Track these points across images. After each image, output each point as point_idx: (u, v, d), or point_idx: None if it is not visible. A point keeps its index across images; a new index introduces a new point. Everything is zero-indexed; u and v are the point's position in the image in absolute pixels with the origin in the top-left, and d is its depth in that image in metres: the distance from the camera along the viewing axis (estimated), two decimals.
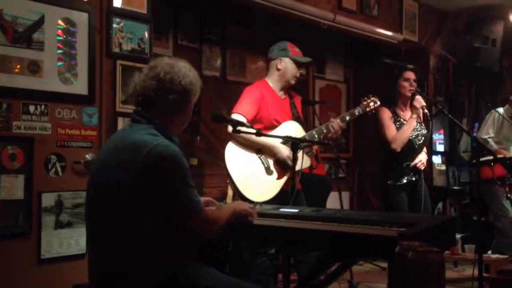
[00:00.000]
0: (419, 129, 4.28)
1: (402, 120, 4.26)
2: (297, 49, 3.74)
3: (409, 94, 4.20)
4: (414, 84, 4.23)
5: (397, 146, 4.18)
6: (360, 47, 6.31)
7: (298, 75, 3.74)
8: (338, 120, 3.69)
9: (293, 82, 3.73)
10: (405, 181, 4.18)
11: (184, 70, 2.08)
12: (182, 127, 2.18)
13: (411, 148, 4.21)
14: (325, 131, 3.64)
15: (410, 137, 4.20)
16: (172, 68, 2.06)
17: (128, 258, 1.95)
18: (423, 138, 4.30)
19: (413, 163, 4.18)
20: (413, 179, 4.21)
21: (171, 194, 1.95)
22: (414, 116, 4.15)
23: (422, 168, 4.24)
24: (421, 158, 4.23)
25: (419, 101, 4.12)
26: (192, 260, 2.05)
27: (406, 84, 4.23)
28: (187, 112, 2.15)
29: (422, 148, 4.30)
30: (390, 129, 4.22)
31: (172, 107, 2.07)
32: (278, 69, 3.67)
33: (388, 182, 4.20)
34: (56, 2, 3.18)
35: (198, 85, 2.14)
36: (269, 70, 3.75)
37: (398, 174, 4.19)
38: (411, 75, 4.26)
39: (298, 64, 3.72)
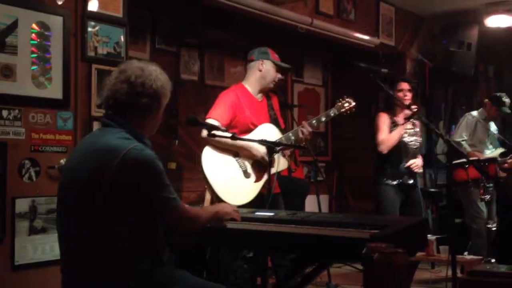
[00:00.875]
0: (413, 134, 4.38)
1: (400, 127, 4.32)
2: (276, 55, 3.78)
3: (406, 103, 4.24)
4: (408, 94, 4.33)
5: (383, 148, 4.28)
6: (338, 51, 6.36)
7: (277, 79, 3.76)
8: (307, 124, 3.69)
9: (271, 85, 3.76)
10: (396, 182, 4.26)
11: (155, 73, 2.08)
12: (153, 131, 2.17)
13: (405, 152, 4.31)
14: (299, 135, 3.66)
15: (406, 141, 4.30)
16: (143, 71, 2.05)
17: (101, 264, 1.94)
18: (418, 144, 4.42)
19: (407, 164, 4.28)
20: (408, 182, 4.30)
21: (148, 196, 1.95)
22: (404, 124, 4.24)
23: (418, 171, 4.36)
24: (416, 161, 4.34)
25: (406, 113, 4.20)
26: (165, 265, 2.04)
27: (400, 94, 4.33)
28: (158, 116, 2.14)
29: (417, 154, 4.40)
30: (382, 132, 4.32)
31: (144, 111, 2.07)
32: (260, 70, 3.68)
33: (379, 182, 4.30)
34: (30, 6, 3.15)
35: (169, 88, 2.14)
36: (248, 72, 3.76)
37: (391, 175, 4.28)
38: (404, 85, 4.37)
39: (278, 69, 3.74)
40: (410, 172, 4.31)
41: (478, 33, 6.27)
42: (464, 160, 4.27)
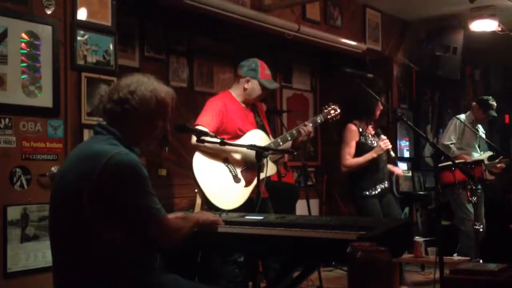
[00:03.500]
0: (375, 141, 4.27)
1: (366, 134, 4.28)
2: (267, 71, 3.77)
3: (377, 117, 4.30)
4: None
5: (345, 171, 4.24)
6: (325, 57, 6.43)
7: (262, 96, 3.80)
8: (311, 122, 3.76)
9: (257, 101, 3.81)
10: (379, 190, 4.20)
11: (130, 81, 2.10)
12: (139, 141, 2.13)
13: (379, 160, 4.21)
14: (289, 138, 3.71)
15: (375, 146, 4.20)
16: (124, 79, 2.12)
17: (90, 269, 1.96)
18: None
19: (397, 172, 4.37)
20: (384, 186, 4.24)
21: (130, 201, 1.96)
22: (375, 154, 4.13)
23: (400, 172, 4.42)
24: (395, 168, 4.43)
25: (385, 143, 4.13)
26: (154, 269, 2.07)
27: (378, 112, 4.30)
28: (136, 124, 2.10)
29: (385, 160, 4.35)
30: (347, 148, 4.21)
31: (116, 117, 2.08)
32: (245, 88, 3.73)
33: (364, 193, 4.16)
34: (20, 16, 3.18)
35: (146, 96, 2.07)
36: (235, 83, 3.80)
37: (372, 184, 4.19)
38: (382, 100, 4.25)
39: (265, 89, 3.76)
40: (385, 178, 4.27)
41: (464, 37, 6.37)
42: (450, 162, 4.32)
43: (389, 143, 4.15)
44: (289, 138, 3.71)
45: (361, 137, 4.24)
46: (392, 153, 4.22)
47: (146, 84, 2.10)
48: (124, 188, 1.95)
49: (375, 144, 4.22)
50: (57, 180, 2.13)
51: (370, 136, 4.30)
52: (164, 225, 2.03)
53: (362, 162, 4.16)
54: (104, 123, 2.13)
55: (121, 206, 1.95)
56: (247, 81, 3.71)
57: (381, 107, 4.31)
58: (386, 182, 4.29)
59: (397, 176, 4.43)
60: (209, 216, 2.38)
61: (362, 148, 4.20)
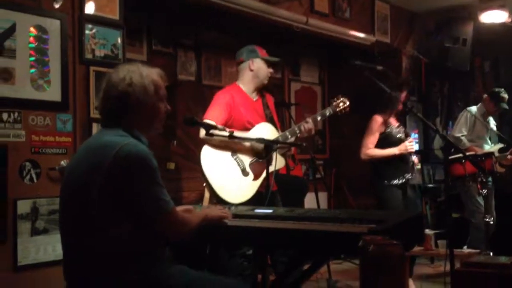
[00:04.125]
0: (402, 130, 4.41)
1: (392, 126, 4.36)
2: (264, 51, 3.81)
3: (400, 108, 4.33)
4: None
5: (364, 158, 4.35)
6: (334, 49, 6.40)
7: (269, 74, 3.80)
8: (312, 119, 3.75)
9: (266, 81, 3.80)
10: (402, 181, 4.23)
11: (123, 73, 2.08)
12: (148, 128, 2.15)
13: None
14: (297, 131, 3.70)
15: (403, 139, 4.30)
16: (112, 75, 2.09)
17: (98, 262, 1.97)
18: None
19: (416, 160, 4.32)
20: (409, 178, 4.29)
21: (139, 192, 1.95)
22: (397, 152, 4.23)
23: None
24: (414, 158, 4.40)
25: (411, 146, 4.25)
26: (163, 261, 2.07)
27: (401, 104, 4.31)
28: (143, 112, 2.10)
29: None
30: (372, 137, 4.32)
31: (119, 112, 2.08)
32: (251, 70, 3.72)
33: (384, 182, 4.23)
34: (28, 10, 3.19)
35: (144, 82, 2.08)
36: (240, 73, 3.79)
37: (394, 174, 4.24)
38: (404, 93, 4.37)
39: (269, 64, 3.78)
40: (410, 168, 4.32)
41: (473, 29, 6.31)
42: (460, 155, 4.29)
43: (414, 147, 4.25)
44: (297, 132, 3.70)
45: (387, 128, 4.33)
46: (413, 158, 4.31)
47: (137, 72, 2.10)
48: (134, 179, 1.95)
49: (399, 135, 4.32)
50: (66, 174, 2.13)
51: (394, 127, 4.37)
52: (172, 218, 2.03)
53: (383, 155, 4.27)
54: (107, 117, 2.13)
55: (130, 197, 1.95)
56: (252, 62, 3.71)
57: (403, 99, 4.37)
58: (410, 174, 4.31)
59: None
60: (218, 211, 2.37)
61: (387, 139, 4.31)
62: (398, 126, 4.42)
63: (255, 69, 3.73)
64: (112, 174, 1.93)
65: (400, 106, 4.33)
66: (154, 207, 1.98)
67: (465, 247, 4.91)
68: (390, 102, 4.26)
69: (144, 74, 2.11)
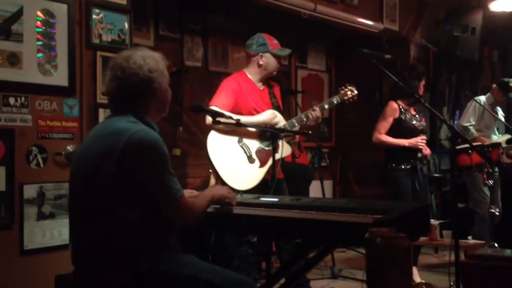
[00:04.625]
0: (419, 119, 4.41)
1: (407, 113, 4.36)
2: (275, 41, 3.74)
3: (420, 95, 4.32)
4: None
5: (375, 143, 4.38)
6: (341, 37, 6.36)
7: (278, 66, 3.77)
8: (318, 107, 3.74)
9: (274, 73, 3.78)
10: (409, 166, 4.25)
11: (140, 60, 2.08)
12: (160, 113, 2.19)
13: (419, 135, 4.32)
14: (304, 119, 3.68)
15: (417, 126, 4.33)
16: (127, 62, 2.06)
17: (109, 247, 1.97)
18: (424, 128, 4.48)
19: (426, 152, 4.33)
20: (418, 166, 4.29)
21: (150, 179, 1.97)
22: (407, 144, 4.25)
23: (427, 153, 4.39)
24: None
25: (422, 143, 4.26)
26: (172, 249, 2.08)
27: (422, 87, 4.37)
28: (160, 96, 2.14)
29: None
30: (384, 123, 4.35)
31: (140, 99, 2.09)
32: (260, 65, 3.69)
33: (392, 165, 4.28)
34: None
35: (160, 67, 2.12)
36: (249, 63, 3.76)
37: (404, 158, 4.27)
38: (423, 83, 4.39)
39: (278, 57, 3.74)
40: (420, 157, 4.33)
41: (483, 18, 6.24)
42: (467, 145, 4.27)
43: (423, 146, 4.26)
44: (304, 119, 3.69)
45: (401, 115, 4.32)
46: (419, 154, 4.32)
47: (152, 58, 2.12)
48: (145, 165, 1.95)
49: (415, 122, 4.33)
50: (76, 159, 2.14)
51: (411, 115, 4.36)
52: (181, 206, 2.04)
53: (392, 143, 4.29)
54: (118, 105, 2.12)
55: (140, 183, 1.95)
56: (261, 57, 3.68)
57: (423, 89, 4.38)
58: (420, 161, 4.30)
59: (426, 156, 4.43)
60: (225, 192, 2.37)
61: (400, 125, 4.32)
62: (416, 115, 4.41)
63: (264, 63, 3.69)
64: (123, 159, 1.93)
65: (420, 93, 4.32)
66: (164, 193, 1.99)
67: (470, 237, 4.91)
68: (405, 91, 4.19)
69: (155, 57, 2.13)
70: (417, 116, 4.41)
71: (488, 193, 5.01)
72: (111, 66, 2.11)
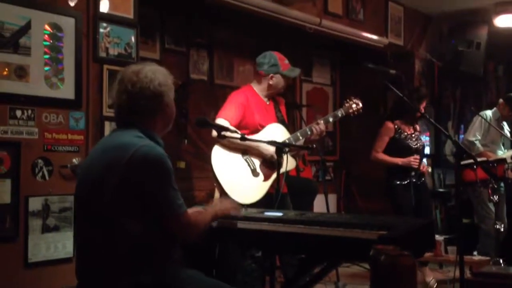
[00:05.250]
0: (416, 138, 4.64)
1: (405, 133, 4.60)
2: (286, 61, 3.78)
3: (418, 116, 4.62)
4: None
5: (372, 159, 4.66)
6: (346, 51, 6.38)
7: (286, 85, 3.81)
8: (323, 120, 3.75)
9: (282, 91, 3.81)
10: (405, 182, 4.48)
11: (150, 74, 2.09)
12: (166, 128, 2.20)
13: (413, 154, 4.54)
14: (309, 133, 3.69)
15: (412, 146, 4.55)
16: (138, 76, 2.07)
17: (112, 259, 1.98)
18: (422, 145, 4.71)
19: (422, 168, 4.57)
20: (418, 183, 4.53)
21: (154, 193, 1.97)
22: (400, 163, 4.50)
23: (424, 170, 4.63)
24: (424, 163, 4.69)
25: (415, 162, 4.47)
26: (175, 263, 2.08)
27: (422, 109, 4.50)
28: (167, 111, 2.16)
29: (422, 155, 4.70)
30: (380, 142, 4.62)
31: (149, 113, 2.10)
32: (270, 85, 3.72)
33: (392, 181, 4.51)
34: (43, 8, 3.20)
35: (169, 82, 2.14)
36: (258, 80, 3.77)
37: (404, 175, 4.49)
38: (423, 105, 4.60)
39: (289, 78, 3.79)
40: (419, 173, 4.54)
41: (487, 33, 6.26)
42: (472, 160, 4.27)
43: (417, 164, 4.48)
44: (309, 133, 3.69)
45: (396, 135, 4.57)
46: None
47: (161, 72, 2.14)
48: (149, 180, 1.97)
49: (408, 141, 4.56)
50: (82, 172, 2.15)
51: (407, 135, 4.60)
52: (184, 221, 2.05)
53: (387, 161, 4.58)
54: (123, 119, 2.13)
55: (144, 198, 1.96)
56: (271, 78, 3.70)
57: (422, 111, 4.48)
58: (416, 178, 4.52)
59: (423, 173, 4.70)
60: (228, 204, 2.37)
61: (396, 145, 4.58)
62: (412, 135, 4.63)
63: (274, 84, 3.73)
64: (128, 174, 1.95)
65: (418, 115, 4.57)
66: (167, 208, 2.00)
67: (475, 252, 4.88)
68: (405, 111, 4.53)
69: (164, 72, 2.15)
70: (413, 135, 4.63)
71: (493, 208, 4.98)
72: (119, 79, 2.11)
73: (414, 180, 4.48)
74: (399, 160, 4.50)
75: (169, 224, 2.02)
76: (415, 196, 4.47)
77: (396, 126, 4.58)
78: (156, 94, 2.08)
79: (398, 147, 4.55)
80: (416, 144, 4.58)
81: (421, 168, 4.53)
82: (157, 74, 2.10)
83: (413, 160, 4.47)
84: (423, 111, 4.53)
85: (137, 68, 2.12)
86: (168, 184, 2.00)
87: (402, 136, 4.57)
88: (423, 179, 4.61)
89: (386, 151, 4.59)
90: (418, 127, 4.74)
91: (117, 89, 2.11)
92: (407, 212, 4.39)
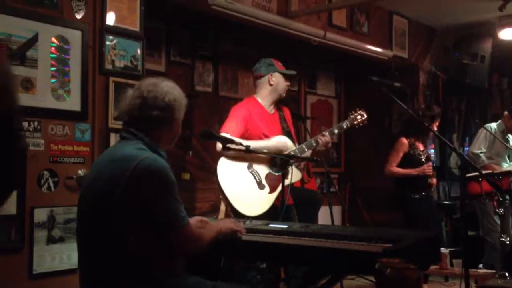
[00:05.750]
0: (426, 154, 4.86)
1: (418, 150, 4.82)
2: (280, 64, 3.84)
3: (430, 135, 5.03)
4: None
5: (387, 173, 4.82)
6: (351, 63, 6.39)
7: (287, 87, 3.83)
8: (328, 132, 3.76)
9: (284, 94, 3.82)
10: (419, 195, 4.70)
11: (167, 88, 2.13)
12: (170, 143, 2.22)
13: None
14: (314, 144, 3.69)
15: (423, 162, 4.74)
16: (155, 86, 2.12)
17: (115, 270, 1.99)
18: (432, 161, 4.93)
19: (433, 182, 4.84)
20: (431, 194, 4.84)
21: (157, 207, 1.98)
22: (415, 173, 4.71)
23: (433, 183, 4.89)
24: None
25: (429, 170, 4.70)
26: (178, 273, 2.08)
27: (435, 127, 4.77)
28: (174, 128, 2.19)
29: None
30: (395, 157, 4.81)
31: (158, 123, 2.12)
32: (271, 84, 3.73)
33: (412, 195, 4.70)
34: (50, 20, 3.23)
35: (183, 102, 2.19)
36: (259, 87, 3.80)
37: (419, 188, 4.72)
38: (437, 123, 4.89)
39: (286, 77, 3.81)
40: (429, 185, 4.78)
41: (492, 46, 6.27)
42: (477, 173, 4.26)
43: (431, 172, 4.71)
44: (314, 144, 3.70)
45: (410, 150, 4.79)
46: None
47: (175, 87, 2.18)
48: (152, 192, 1.98)
49: (421, 157, 4.77)
50: (85, 184, 2.17)
51: (419, 151, 4.82)
52: (186, 234, 2.06)
53: (403, 173, 4.75)
54: (128, 128, 2.15)
55: (147, 210, 1.97)
56: (271, 77, 3.73)
57: (435, 129, 4.75)
58: (428, 190, 4.78)
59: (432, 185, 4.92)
60: (231, 225, 2.38)
61: (410, 160, 4.78)
62: (423, 150, 4.84)
63: (274, 83, 3.74)
64: (130, 186, 1.96)
65: (430, 134, 4.89)
66: (169, 221, 2.01)
67: (480, 265, 4.85)
68: (418, 129, 4.78)
69: (181, 92, 2.19)
70: (424, 152, 4.84)
71: (498, 221, 4.95)
72: (137, 87, 2.16)
73: (425, 192, 4.69)
74: (413, 171, 4.68)
75: (170, 235, 2.02)
76: (427, 208, 4.67)
77: (410, 142, 4.79)
78: (168, 106, 2.11)
79: (412, 162, 4.74)
80: (426, 161, 4.78)
81: (431, 181, 4.74)
82: (173, 90, 2.15)
83: (426, 167, 4.66)
84: (436, 129, 4.75)
85: (156, 80, 2.17)
86: (171, 196, 2.01)
87: (416, 152, 4.78)
88: (432, 190, 4.86)
89: (399, 166, 4.78)
90: (427, 145, 5.07)
91: (131, 94, 2.14)
92: (422, 224, 4.58)
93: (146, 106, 2.09)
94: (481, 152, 5.21)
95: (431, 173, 4.71)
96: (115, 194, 1.96)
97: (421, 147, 4.86)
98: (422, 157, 4.78)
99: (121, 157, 2.04)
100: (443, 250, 4.34)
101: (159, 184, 1.99)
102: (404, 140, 4.81)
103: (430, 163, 4.75)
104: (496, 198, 4.53)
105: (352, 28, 5.53)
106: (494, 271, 4.34)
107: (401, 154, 4.79)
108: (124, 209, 1.96)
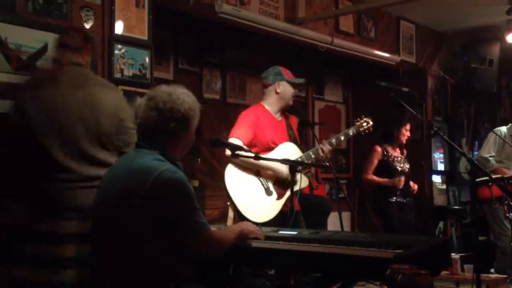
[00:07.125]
0: (402, 161, 5.01)
1: (393, 156, 5.01)
2: (289, 72, 3.84)
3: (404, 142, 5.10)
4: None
5: (363, 180, 5.12)
6: (358, 68, 6.40)
7: (294, 95, 3.84)
8: (327, 143, 3.76)
9: (291, 103, 3.82)
10: (394, 199, 4.92)
11: (182, 96, 2.13)
12: (182, 152, 2.23)
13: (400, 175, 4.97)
14: (320, 152, 3.70)
15: (398, 168, 4.93)
16: (170, 96, 2.11)
17: (128, 279, 2.00)
18: (407, 167, 5.04)
19: (415, 187, 5.07)
20: (404, 200, 4.98)
21: (178, 218, 2.01)
22: (388, 184, 4.95)
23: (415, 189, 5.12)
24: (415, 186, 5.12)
25: (400, 183, 4.90)
26: (187, 281, 2.09)
27: (406, 134, 5.03)
28: (189, 137, 2.20)
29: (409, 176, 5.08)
30: (369, 164, 5.05)
31: (175, 135, 2.13)
32: (278, 93, 3.74)
33: (390, 200, 4.90)
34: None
35: (197, 109, 2.19)
36: (266, 94, 3.81)
37: (391, 194, 4.94)
38: (407, 128, 5.06)
39: (294, 86, 3.81)
40: (405, 192, 4.97)
41: (500, 49, 6.25)
42: (486, 178, 4.24)
43: (401, 184, 4.91)
44: (320, 152, 3.71)
45: (384, 157, 4.99)
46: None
47: (190, 95, 2.18)
48: (173, 204, 1.99)
49: (395, 164, 4.95)
50: (101, 192, 2.16)
51: (394, 158, 4.98)
52: (209, 238, 2.09)
53: (376, 182, 4.99)
54: (144, 138, 2.15)
55: (169, 220, 1.99)
56: (278, 85, 3.74)
57: (408, 134, 5.05)
58: (404, 195, 4.97)
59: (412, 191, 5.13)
60: (253, 228, 2.39)
61: (384, 167, 4.98)
62: (398, 157, 5.01)
63: (281, 91, 3.75)
64: (151, 197, 1.97)
65: (403, 140, 5.03)
66: (193, 229, 2.03)
67: (492, 270, 4.82)
68: (390, 135, 5.05)
69: (192, 97, 2.18)
70: (399, 158, 5.01)
71: (509, 226, 4.93)
72: (150, 96, 2.12)
73: (399, 199, 4.92)
74: (386, 182, 4.91)
75: (194, 244, 2.05)
76: (398, 214, 4.91)
77: (383, 150, 5.00)
78: (185, 117, 2.11)
79: (386, 170, 4.94)
80: (402, 167, 4.94)
81: (413, 186, 4.98)
82: (187, 98, 2.14)
83: (397, 181, 4.87)
84: (408, 134, 5.03)
85: (169, 89, 2.15)
86: (191, 206, 2.04)
87: (390, 159, 4.96)
88: (408, 198, 4.99)
89: (376, 173, 4.98)
90: (405, 152, 5.15)
91: (145, 104, 2.11)
92: (397, 229, 4.79)
93: (162, 118, 2.08)
94: (490, 156, 5.18)
95: (401, 186, 4.88)
96: (133, 206, 1.97)
97: (394, 153, 5.02)
98: (397, 164, 4.94)
99: (138, 168, 2.04)
100: (453, 255, 4.32)
101: (180, 197, 2.02)
102: (378, 148, 5.02)
103: (403, 177, 4.90)
104: (506, 202, 4.52)
105: (359, 33, 5.54)
106: (505, 276, 4.31)
107: (375, 162, 5.00)
108: (142, 220, 1.98)
